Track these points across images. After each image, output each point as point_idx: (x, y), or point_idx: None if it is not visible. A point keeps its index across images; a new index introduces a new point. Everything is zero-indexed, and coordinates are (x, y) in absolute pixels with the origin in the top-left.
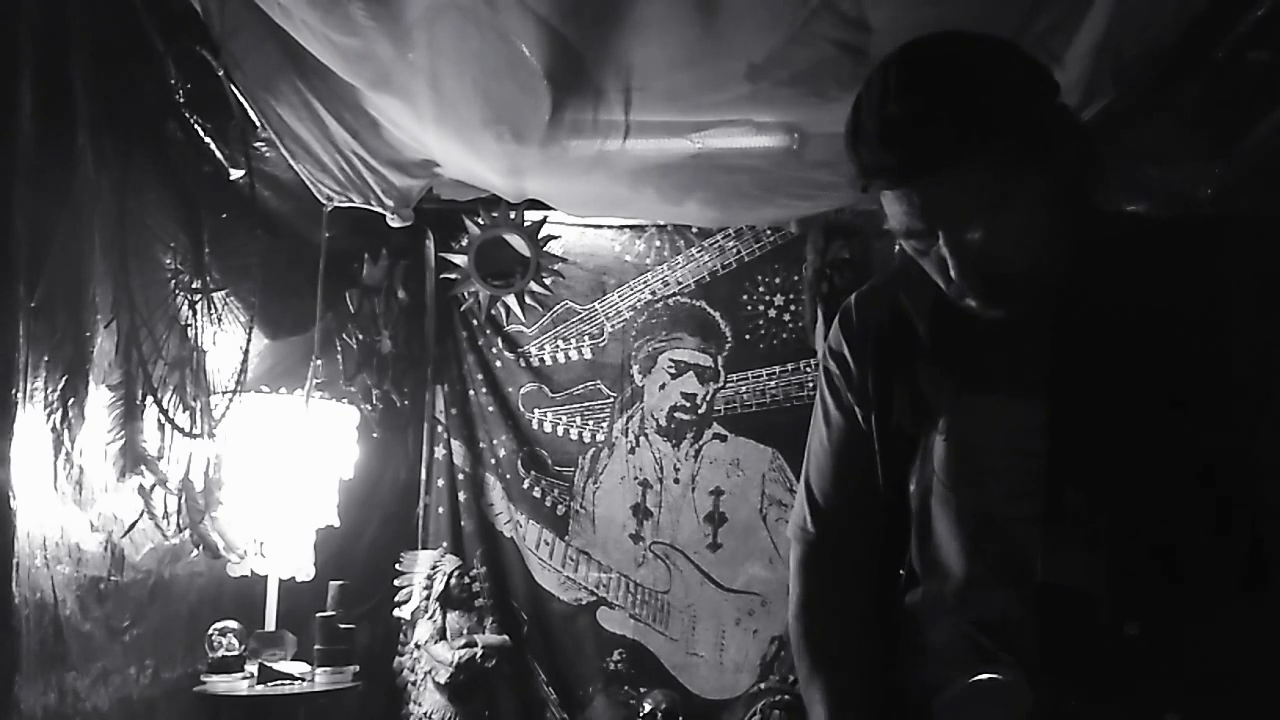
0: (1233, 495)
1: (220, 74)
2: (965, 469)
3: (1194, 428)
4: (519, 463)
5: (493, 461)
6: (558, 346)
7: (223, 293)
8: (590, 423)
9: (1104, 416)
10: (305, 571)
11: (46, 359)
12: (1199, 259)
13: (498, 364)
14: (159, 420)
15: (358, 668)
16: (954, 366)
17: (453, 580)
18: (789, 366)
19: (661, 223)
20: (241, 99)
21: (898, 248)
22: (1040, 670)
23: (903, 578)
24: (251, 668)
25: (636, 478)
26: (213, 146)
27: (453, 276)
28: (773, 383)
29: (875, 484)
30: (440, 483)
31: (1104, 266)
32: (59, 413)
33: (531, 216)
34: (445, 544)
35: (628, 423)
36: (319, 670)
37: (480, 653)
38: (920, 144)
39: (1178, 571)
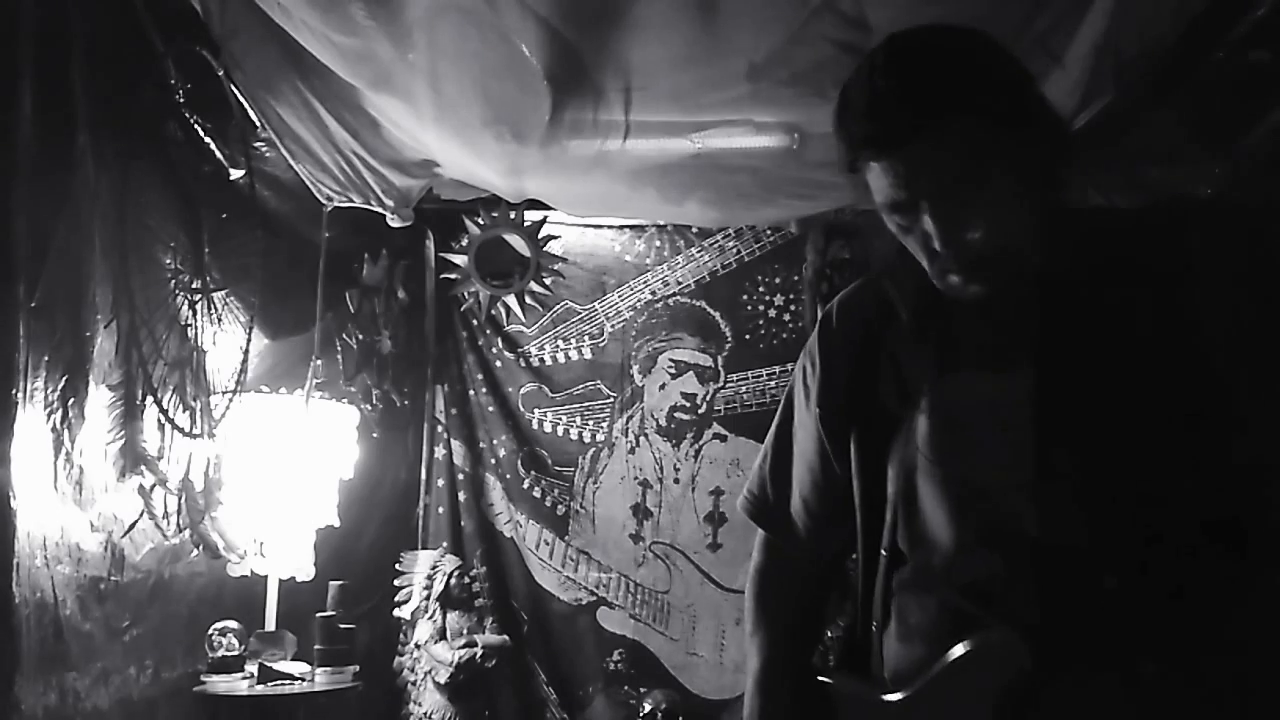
0: (1210, 455)
1: (220, 74)
2: (949, 441)
3: (1171, 394)
4: (519, 463)
5: (493, 461)
6: (558, 346)
7: (223, 293)
8: (590, 423)
9: (1084, 387)
10: (305, 571)
11: (46, 359)
12: (1165, 238)
13: (498, 364)
14: (159, 420)
15: (358, 668)
16: (936, 345)
17: (453, 580)
18: (789, 366)
19: (661, 223)
20: (241, 99)
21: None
22: (1029, 628)
23: (885, 558)
24: (251, 668)
25: (636, 478)
26: (213, 146)
27: (453, 276)
28: (773, 383)
29: (831, 478)
30: (440, 483)
31: (1080, 246)
32: (59, 413)
33: (531, 216)
34: (445, 544)
35: (628, 423)
36: (319, 670)
37: (480, 653)
38: (901, 113)
39: (1156, 527)
